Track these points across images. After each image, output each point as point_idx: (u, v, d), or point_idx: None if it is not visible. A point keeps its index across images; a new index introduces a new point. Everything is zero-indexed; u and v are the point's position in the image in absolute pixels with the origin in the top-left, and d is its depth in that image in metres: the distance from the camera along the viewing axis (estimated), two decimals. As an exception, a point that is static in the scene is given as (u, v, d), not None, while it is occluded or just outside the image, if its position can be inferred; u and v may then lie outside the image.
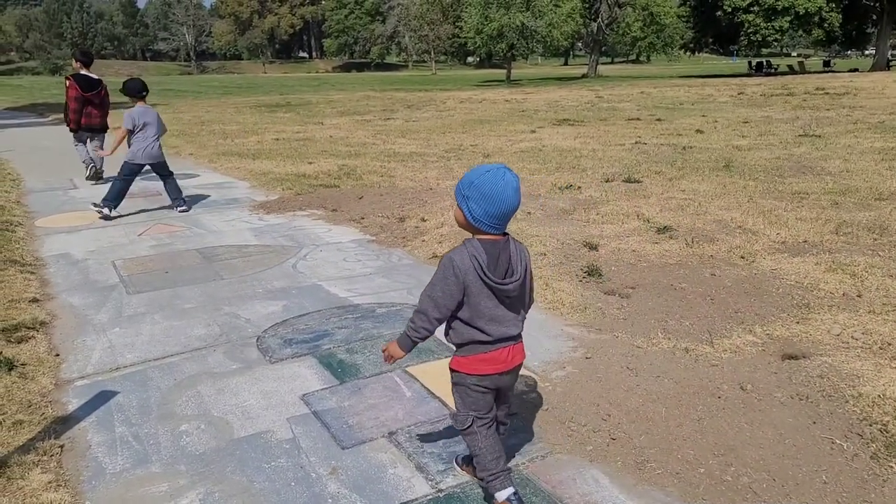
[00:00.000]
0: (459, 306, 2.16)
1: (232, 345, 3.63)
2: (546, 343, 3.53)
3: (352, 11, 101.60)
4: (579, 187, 7.33)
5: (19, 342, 3.68)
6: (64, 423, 2.89)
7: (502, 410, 2.37)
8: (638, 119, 15.73)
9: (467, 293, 2.13)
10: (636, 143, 11.31)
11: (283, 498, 2.36)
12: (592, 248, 5.05)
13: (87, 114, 8.54)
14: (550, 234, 5.43)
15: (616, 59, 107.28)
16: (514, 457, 2.55)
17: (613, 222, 5.82)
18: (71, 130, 8.67)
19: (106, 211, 6.52)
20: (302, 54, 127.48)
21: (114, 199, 6.57)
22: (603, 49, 63.54)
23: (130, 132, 6.70)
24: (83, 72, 8.48)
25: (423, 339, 2.26)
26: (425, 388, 3.10)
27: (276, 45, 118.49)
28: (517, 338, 2.26)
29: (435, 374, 3.21)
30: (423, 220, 6.07)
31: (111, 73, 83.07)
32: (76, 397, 3.11)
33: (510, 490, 2.22)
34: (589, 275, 4.49)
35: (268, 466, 2.55)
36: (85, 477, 2.53)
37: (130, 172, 6.64)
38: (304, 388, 3.13)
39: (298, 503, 2.33)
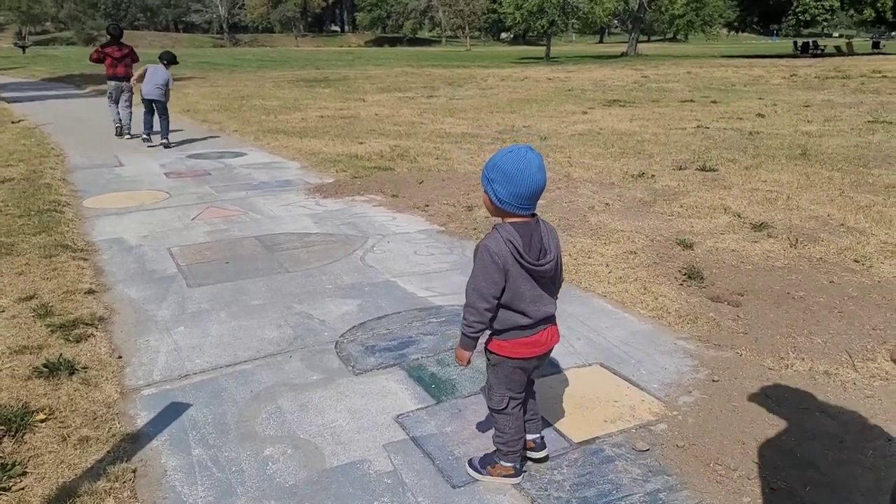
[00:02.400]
0: (502, 292, 2.13)
1: (309, 350, 3.29)
2: (661, 360, 3.13)
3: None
4: (652, 175, 6.87)
5: (78, 341, 3.38)
6: (134, 442, 2.58)
7: (531, 384, 2.38)
8: (692, 101, 15.11)
9: (508, 278, 2.11)
10: (698, 126, 10.76)
11: (393, 550, 2.02)
12: (687, 246, 4.62)
13: (112, 66, 10.11)
14: (636, 230, 5.00)
15: (653, 38, 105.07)
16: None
17: (701, 216, 5.37)
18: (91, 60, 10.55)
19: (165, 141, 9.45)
20: (334, 28, 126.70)
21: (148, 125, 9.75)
22: (641, 27, 62.04)
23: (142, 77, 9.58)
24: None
25: (480, 332, 2.20)
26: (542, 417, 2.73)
27: (309, 19, 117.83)
28: (553, 319, 2.26)
29: (544, 396, 2.83)
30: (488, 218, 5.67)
31: (144, 45, 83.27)
32: (144, 409, 2.80)
33: (517, 463, 2.32)
34: (689, 277, 4.07)
35: (370, 507, 2.21)
36: (163, 512, 2.22)
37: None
38: (397, 408, 2.78)
39: (416, 560, 1.99)
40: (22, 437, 2.60)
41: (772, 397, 2.77)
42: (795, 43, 47.61)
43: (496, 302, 2.14)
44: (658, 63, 33.49)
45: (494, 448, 2.36)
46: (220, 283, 4.16)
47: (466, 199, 6.02)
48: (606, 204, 5.71)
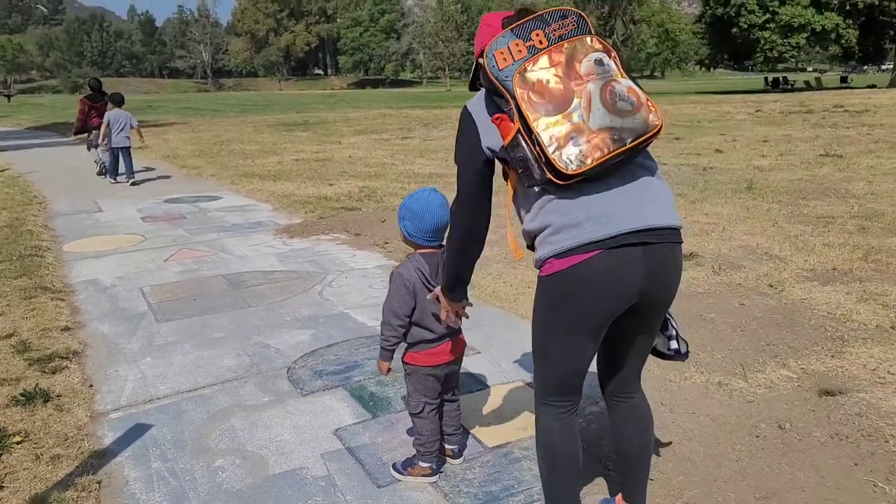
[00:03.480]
0: (412, 311, 2.52)
1: (263, 376, 3.64)
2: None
3: (367, 29, 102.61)
4: (601, 211, 7.32)
5: (53, 372, 3.71)
6: (100, 458, 2.91)
7: (448, 392, 2.74)
8: (678, 139, 15.73)
9: (417, 300, 2.50)
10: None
11: (321, 538, 2.36)
12: (619, 275, 5.03)
13: (92, 117, 11.46)
14: (576, 261, 5.41)
15: (631, 75, 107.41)
16: (551, 497, 2.53)
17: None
18: (74, 134, 12.31)
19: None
20: (317, 71, 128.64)
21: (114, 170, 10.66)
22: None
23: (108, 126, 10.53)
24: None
25: (395, 345, 2.60)
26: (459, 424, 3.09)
27: (292, 63, 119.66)
28: (458, 331, 2.65)
29: (467, 409, 3.19)
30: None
31: (129, 91, 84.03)
32: (111, 430, 3.13)
33: (433, 463, 2.67)
34: (616, 304, 4.46)
35: (304, 505, 2.55)
36: (123, 514, 2.54)
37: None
38: (336, 423, 3.13)
39: (338, 545, 2.33)
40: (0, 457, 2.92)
41: (666, 405, 3.15)
42: (766, 79, 49.12)
43: (407, 320, 2.53)
44: (631, 101, 34.44)
45: (414, 451, 2.73)
46: (187, 318, 4.52)
47: (424, 237, 6.42)
48: (552, 238, 6.13)
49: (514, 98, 1.81)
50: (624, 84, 1.82)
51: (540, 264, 1.96)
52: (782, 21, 42.45)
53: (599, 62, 1.83)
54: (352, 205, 8.25)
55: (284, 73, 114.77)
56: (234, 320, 4.47)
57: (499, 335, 4.08)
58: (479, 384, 3.46)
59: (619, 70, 1.85)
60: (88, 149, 11.98)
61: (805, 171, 10.05)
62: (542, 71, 1.81)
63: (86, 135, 11.90)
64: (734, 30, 44.95)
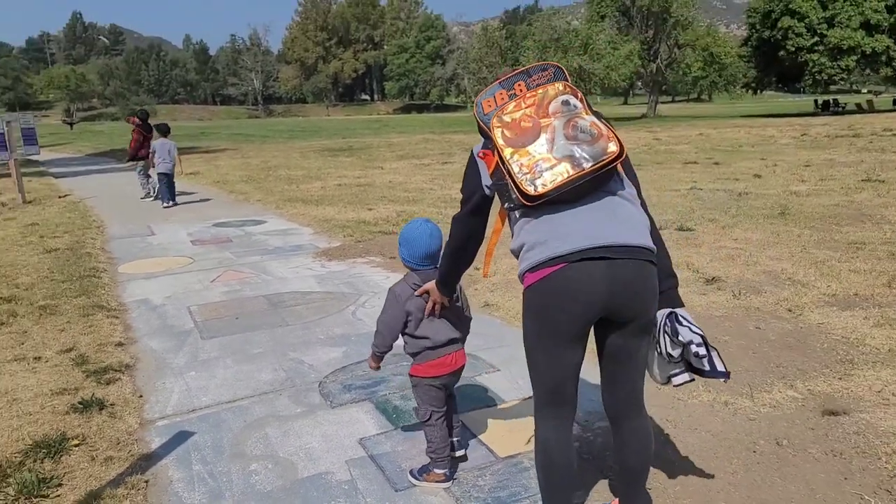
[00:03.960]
0: (406, 325, 2.84)
1: (296, 389, 3.92)
2: (590, 393, 3.69)
3: (413, 55, 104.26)
4: (631, 236, 7.48)
5: (108, 383, 4.06)
6: (148, 460, 3.21)
7: (450, 401, 3.04)
8: (695, 162, 15.75)
9: (411, 312, 2.81)
10: (691, 188, 11.38)
11: (341, 535, 2.60)
12: (640, 299, 5.20)
13: (144, 146, 12.48)
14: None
15: (677, 98, 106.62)
16: (554, 503, 2.73)
17: (662, 272, 5.95)
18: (128, 159, 13.45)
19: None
20: (364, 97, 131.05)
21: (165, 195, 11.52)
22: (663, 88, 63.37)
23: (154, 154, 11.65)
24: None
25: (384, 353, 2.98)
26: (474, 435, 3.32)
27: (340, 89, 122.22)
28: (457, 343, 2.92)
29: (482, 422, 3.42)
30: (476, 268, 6.32)
31: (183, 118, 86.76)
32: (158, 436, 3.44)
33: (447, 469, 2.91)
34: (635, 326, 4.64)
35: (328, 505, 2.80)
36: (167, 510, 2.83)
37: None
38: (361, 433, 3.38)
39: (355, 540, 2.57)
40: (59, 458, 3.24)
41: (671, 421, 3.32)
42: (816, 101, 48.33)
43: (397, 333, 2.89)
44: (674, 125, 34.33)
45: (429, 459, 2.96)
46: (229, 336, 4.85)
47: (455, 261, 6.68)
48: (579, 262, 6.33)
49: (492, 137, 2.14)
50: (588, 119, 2.09)
51: (521, 280, 2.22)
52: (831, 44, 41.86)
53: (566, 102, 2.11)
54: (389, 229, 8.57)
55: (332, 99, 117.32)
56: (272, 338, 4.78)
57: (519, 355, 4.25)
58: (495, 400, 3.68)
59: (584, 108, 2.13)
60: (142, 174, 12.91)
61: (843, 196, 10.01)
62: (517, 112, 2.14)
63: (138, 161, 12.82)
64: (781, 53, 44.47)
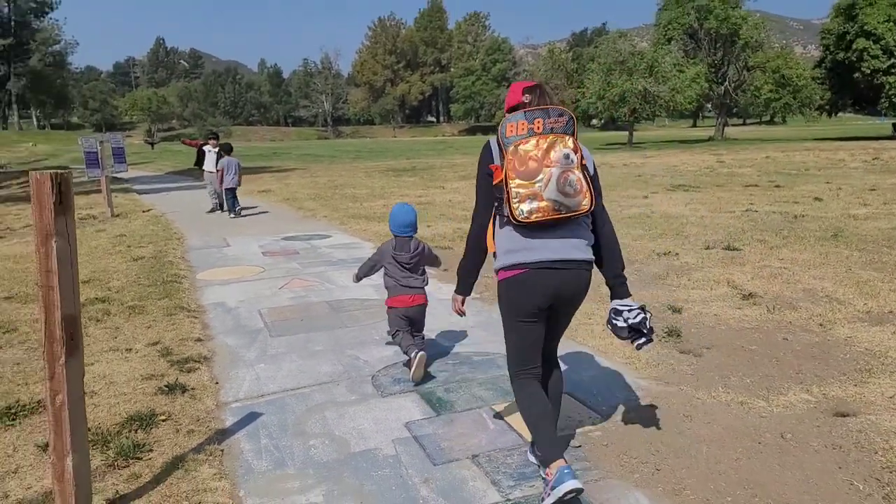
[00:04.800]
0: (385, 268, 4.48)
1: (352, 381, 4.39)
2: (617, 392, 4.04)
3: (479, 78, 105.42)
4: (677, 254, 7.73)
5: (189, 372, 4.62)
6: (223, 434, 3.72)
7: (417, 331, 4.52)
8: (756, 185, 15.73)
9: (386, 263, 4.45)
10: (747, 210, 11.47)
11: (385, 498, 3.03)
12: (676, 311, 5.49)
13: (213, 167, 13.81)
14: (638, 298, 5.89)
15: (749, 121, 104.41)
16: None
17: (702, 288, 6.21)
18: (197, 145, 15.18)
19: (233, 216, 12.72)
20: (430, 118, 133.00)
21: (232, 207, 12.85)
22: (734, 110, 62.37)
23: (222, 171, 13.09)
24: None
25: (360, 278, 4.75)
26: (506, 423, 3.70)
27: (406, 111, 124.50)
28: (417, 289, 4.45)
29: (515, 412, 3.80)
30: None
31: (256, 139, 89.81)
32: (232, 415, 3.95)
33: (419, 349, 4.21)
34: (668, 335, 4.94)
35: (375, 474, 3.23)
36: (239, 473, 3.31)
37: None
38: (407, 418, 3.81)
39: (397, 503, 2.99)
40: (150, 429, 3.78)
41: (688, 416, 3.64)
42: (894, 125, 46.78)
43: (371, 271, 4.63)
44: (741, 148, 33.88)
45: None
46: (295, 335, 5.37)
47: (505, 274, 7.08)
48: (622, 277, 6.64)
49: (505, 159, 2.78)
50: (576, 175, 2.76)
51: (496, 273, 2.99)
52: (909, 65, 40.61)
53: (567, 156, 2.75)
54: (445, 244, 9.04)
55: (399, 120, 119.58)
56: (332, 337, 5.27)
57: (556, 357, 4.66)
58: (529, 394, 4.06)
59: (577, 164, 2.78)
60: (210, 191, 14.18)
61: (902, 219, 9.97)
62: (530, 149, 2.75)
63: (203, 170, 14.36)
64: (857, 75, 43.39)
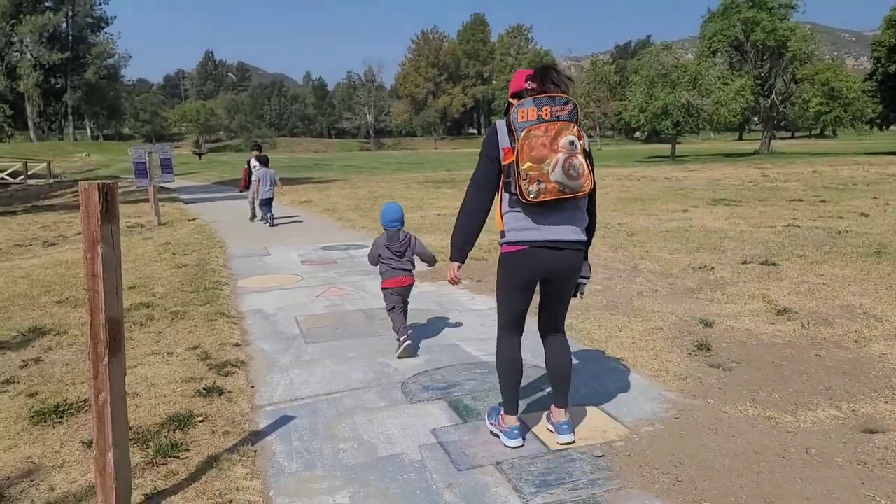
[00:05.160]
0: (380, 258, 5.20)
1: (382, 387, 4.50)
2: (643, 404, 4.07)
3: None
4: (713, 268, 7.68)
5: (226, 375, 4.78)
6: (256, 436, 3.85)
7: (405, 308, 5.30)
8: (800, 200, 15.46)
9: (381, 251, 5.17)
10: (788, 225, 11.30)
11: (410, 501, 3.11)
12: (707, 325, 5.48)
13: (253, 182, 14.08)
14: (670, 311, 5.90)
15: (797, 134, 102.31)
16: (593, 487, 3.14)
17: (736, 303, 6.17)
18: (240, 191, 15.30)
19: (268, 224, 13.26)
20: (471, 130, 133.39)
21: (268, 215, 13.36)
22: (782, 123, 61.23)
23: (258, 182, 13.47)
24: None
25: (374, 264, 5.32)
26: (531, 431, 3.76)
27: (448, 123, 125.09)
28: (407, 271, 5.22)
29: (541, 419, 3.86)
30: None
31: (301, 149, 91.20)
32: (265, 418, 4.09)
33: (403, 337, 5.05)
34: (698, 349, 4.94)
35: (401, 478, 3.33)
36: (270, 473, 3.44)
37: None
38: (434, 424, 3.90)
39: (419, 504, 3.08)
40: (187, 430, 3.94)
41: (713, 430, 3.65)
42: (948, 138, 45.28)
43: (377, 257, 5.22)
44: (787, 162, 33.26)
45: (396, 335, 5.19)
46: (329, 342, 5.51)
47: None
48: (655, 290, 6.63)
49: (518, 142, 3.09)
50: (579, 160, 3.10)
51: (500, 244, 3.40)
52: (966, 77, 39.40)
53: (572, 143, 3.08)
54: (480, 255, 9.12)
55: (440, 132, 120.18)
56: (365, 345, 5.40)
57: (583, 368, 4.70)
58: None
59: (581, 149, 3.12)
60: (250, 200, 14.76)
61: (950, 236, 9.71)
62: (540, 134, 3.08)
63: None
64: (909, 86, 42.23)
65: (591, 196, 3.37)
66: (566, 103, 3.11)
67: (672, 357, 4.83)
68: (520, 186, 3.08)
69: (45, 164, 39.55)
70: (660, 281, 7.06)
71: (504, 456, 3.49)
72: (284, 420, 4.07)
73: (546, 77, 3.19)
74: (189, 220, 14.72)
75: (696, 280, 7.13)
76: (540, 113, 3.07)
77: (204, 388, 4.48)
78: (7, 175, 36.44)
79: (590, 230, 3.42)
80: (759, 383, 4.27)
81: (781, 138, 71.90)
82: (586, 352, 5.07)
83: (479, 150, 3.34)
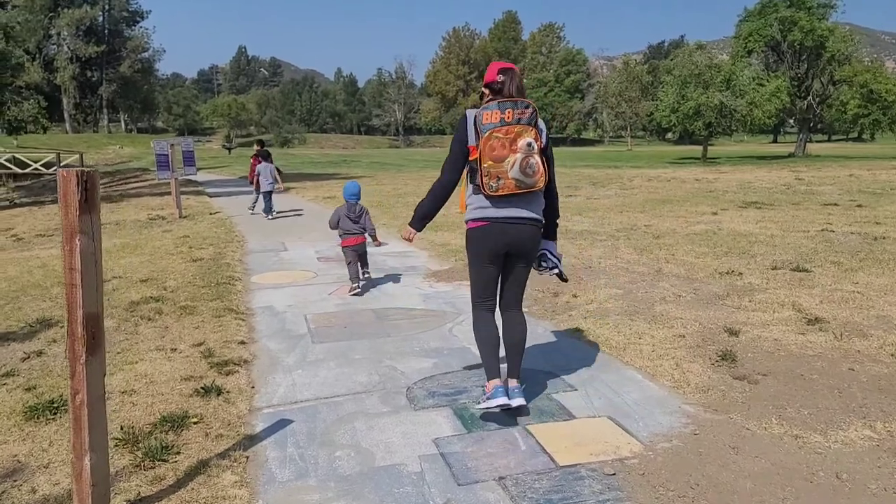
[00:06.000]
0: (340, 222, 6.84)
1: (386, 392, 4.30)
2: (660, 417, 3.82)
3: (551, 89, 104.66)
4: (741, 273, 7.36)
5: (227, 374, 4.62)
6: (251, 440, 3.68)
7: (364, 264, 7.10)
8: (835, 204, 14.95)
9: (341, 218, 6.81)
10: (822, 230, 10.89)
11: (403, 516, 2.91)
12: (733, 333, 5.19)
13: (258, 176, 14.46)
14: (694, 318, 5.62)
15: (834, 137, 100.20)
16: (600, 509, 2.91)
17: (764, 310, 5.87)
18: (251, 183, 15.22)
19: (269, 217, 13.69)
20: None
21: (269, 209, 13.81)
22: (818, 126, 59.95)
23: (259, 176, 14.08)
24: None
25: (333, 228, 6.97)
26: (539, 444, 3.53)
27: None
28: (359, 234, 6.85)
29: (550, 434, 3.64)
30: (575, 296, 6.50)
31: (330, 146, 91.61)
32: (262, 422, 3.91)
33: (355, 285, 6.85)
34: (722, 359, 4.67)
35: (397, 491, 3.12)
36: (260, 482, 3.26)
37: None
38: (436, 433, 3.69)
39: (413, 521, 2.87)
40: (180, 431, 3.78)
41: (735, 448, 3.39)
42: None
43: (337, 222, 6.91)
44: (823, 165, 32.44)
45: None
46: (336, 342, 5.33)
47: (556, 287, 6.88)
48: (679, 296, 6.34)
49: (481, 142, 3.52)
50: (535, 160, 3.55)
51: (466, 223, 3.79)
52: None
53: (529, 144, 3.53)
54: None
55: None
56: (372, 346, 5.21)
57: (599, 377, 4.46)
58: (566, 416, 3.87)
59: (537, 150, 3.56)
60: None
61: None
62: (500, 136, 3.51)
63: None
64: (952, 89, 40.96)
65: (549, 187, 3.82)
66: (527, 107, 3.56)
67: (694, 367, 4.57)
68: (482, 181, 3.53)
69: (77, 156, 40.13)
70: (684, 286, 6.77)
71: (508, 471, 3.27)
72: (282, 424, 3.89)
73: (513, 78, 3.67)
74: (211, 214, 14.68)
75: (723, 286, 6.82)
76: (503, 116, 3.51)
77: (203, 388, 4.32)
78: (41, 166, 37.06)
79: (550, 214, 3.88)
80: (786, 398, 3.99)
81: (817, 141, 70.32)
82: (603, 359, 4.83)
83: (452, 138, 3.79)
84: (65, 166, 37.84)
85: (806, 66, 48.90)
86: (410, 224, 4.03)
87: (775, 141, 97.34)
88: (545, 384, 4.34)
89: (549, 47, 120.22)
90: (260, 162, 14.64)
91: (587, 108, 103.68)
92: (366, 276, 7.11)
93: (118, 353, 5.14)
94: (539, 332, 5.53)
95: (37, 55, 75.31)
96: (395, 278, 7.71)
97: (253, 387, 4.45)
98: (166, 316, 6.14)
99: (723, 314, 5.78)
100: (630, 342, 5.11)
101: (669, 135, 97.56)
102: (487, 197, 3.60)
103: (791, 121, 63.68)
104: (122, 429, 3.78)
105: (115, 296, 6.95)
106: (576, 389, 4.25)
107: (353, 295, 6.75)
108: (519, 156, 3.48)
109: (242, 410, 4.06)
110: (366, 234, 7.00)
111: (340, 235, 6.88)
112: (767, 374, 4.40)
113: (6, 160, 36.41)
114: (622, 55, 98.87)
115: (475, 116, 3.58)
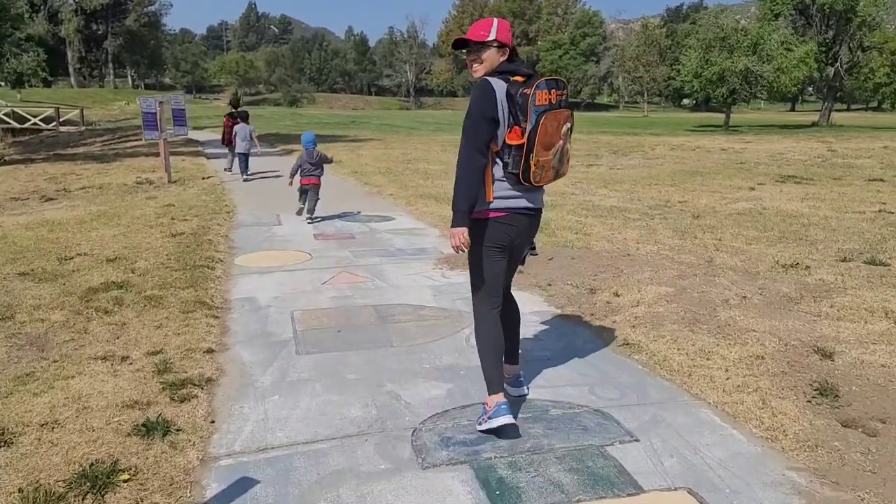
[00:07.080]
0: (300, 166, 8.80)
1: (385, 435, 3.26)
2: (761, 493, 2.76)
3: (566, 52, 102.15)
4: (807, 266, 6.25)
5: (182, 401, 3.59)
6: (197, 513, 2.66)
7: (313, 202, 8.93)
8: (881, 180, 13.74)
9: (302, 164, 8.76)
10: (880, 210, 9.73)
11: None
12: (826, 355, 4.11)
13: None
14: (770, 331, 4.54)
15: (853, 107, 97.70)
16: None
17: (853, 320, 4.78)
18: (224, 144, 15.44)
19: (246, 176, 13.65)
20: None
21: (243, 170, 13.63)
22: (839, 95, 57.97)
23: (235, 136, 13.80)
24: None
25: (292, 177, 8.96)
26: (597, 539, 2.50)
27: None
28: (316, 175, 8.84)
29: (612, 520, 2.59)
30: (617, 294, 5.41)
31: (339, 106, 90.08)
32: (216, 481, 2.89)
33: (304, 209, 9.07)
34: (821, 394, 3.61)
35: None
36: (199, 593, 2.25)
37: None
38: (452, 513, 2.66)
39: None
40: (103, 495, 2.77)
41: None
42: None
43: (299, 168, 8.83)
44: (851, 135, 30.95)
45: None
46: (326, 353, 4.28)
47: (592, 281, 5.80)
48: (744, 297, 5.25)
49: (534, 127, 3.00)
50: (568, 146, 3.21)
51: (482, 211, 3.14)
52: None
53: (569, 129, 3.17)
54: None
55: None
56: (372, 360, 4.16)
57: (665, 418, 3.40)
58: (630, 487, 2.82)
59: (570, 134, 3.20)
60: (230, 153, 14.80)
61: None
62: (552, 122, 3.03)
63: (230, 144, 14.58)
64: None
65: None
66: (565, 87, 3.16)
67: (786, 406, 3.50)
68: (526, 170, 3.05)
69: (77, 111, 38.91)
70: (746, 283, 5.67)
71: (557, 589, 2.23)
72: (242, 486, 2.86)
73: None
74: (203, 178, 13.57)
75: (792, 283, 5.72)
76: (550, 97, 3.04)
77: (146, 423, 3.30)
78: (40, 121, 35.88)
79: None
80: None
81: (837, 110, 67.81)
82: (665, 389, 3.77)
83: (469, 109, 3.08)
84: (64, 122, 36.68)
85: (835, 30, 46.80)
86: (458, 225, 3.11)
87: (793, 109, 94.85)
88: (595, 428, 3.30)
89: (565, 8, 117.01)
90: (237, 122, 13.90)
91: (602, 72, 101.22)
92: (309, 214, 8.91)
93: (55, 361, 4.13)
94: (578, 344, 4.46)
95: (41, 7, 73.60)
96: (401, 263, 6.64)
97: (213, 421, 3.42)
98: (127, 308, 5.12)
99: (803, 325, 4.69)
100: (696, 364, 4.03)
101: (686, 101, 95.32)
102: (517, 185, 3.12)
103: (811, 89, 61.49)
104: (21, 491, 2.76)
105: (73, 279, 5.93)
106: (637, 440, 3.20)
107: (297, 215, 9.05)
108: (560, 143, 3.13)
109: (193, 461, 3.04)
110: (320, 178, 8.82)
111: (301, 177, 8.75)
112: (887, 421, 3.34)
113: (5, 114, 35.23)
114: (640, 18, 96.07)
115: (520, 93, 3.00)
